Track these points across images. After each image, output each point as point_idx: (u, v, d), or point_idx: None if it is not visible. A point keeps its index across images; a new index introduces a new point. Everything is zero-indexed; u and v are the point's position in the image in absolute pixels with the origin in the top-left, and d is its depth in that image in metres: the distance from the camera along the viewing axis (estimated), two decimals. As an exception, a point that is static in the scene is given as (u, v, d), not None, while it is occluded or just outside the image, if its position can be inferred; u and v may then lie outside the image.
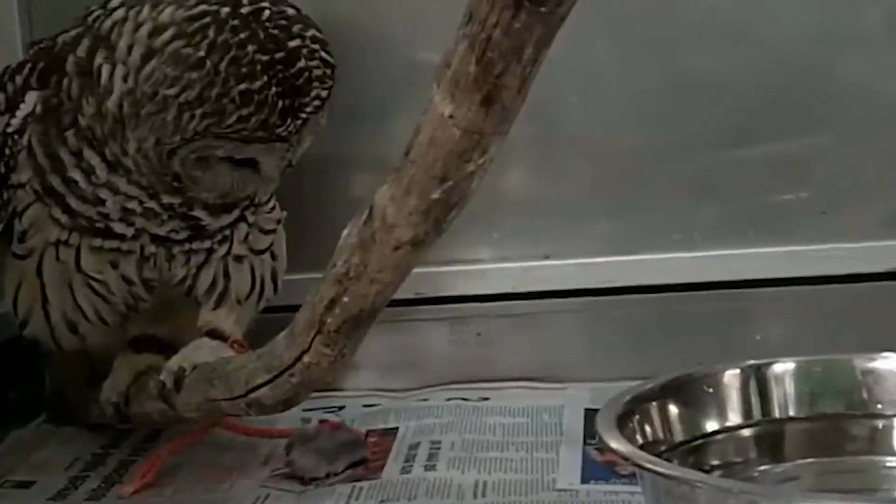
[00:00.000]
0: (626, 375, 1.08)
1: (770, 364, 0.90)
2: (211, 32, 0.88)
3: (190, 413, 0.96)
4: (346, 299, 0.80)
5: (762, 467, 0.88)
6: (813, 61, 1.13)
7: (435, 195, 0.74)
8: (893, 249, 1.15)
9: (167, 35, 0.89)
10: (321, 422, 1.07)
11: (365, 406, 1.14)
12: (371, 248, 0.77)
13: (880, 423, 0.89)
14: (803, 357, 0.91)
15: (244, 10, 0.89)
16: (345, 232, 0.79)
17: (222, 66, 0.87)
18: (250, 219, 1.02)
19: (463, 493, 0.94)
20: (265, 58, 0.88)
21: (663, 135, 1.16)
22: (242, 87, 0.87)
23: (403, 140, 0.75)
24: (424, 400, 1.14)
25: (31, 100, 0.95)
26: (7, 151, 0.96)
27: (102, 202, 0.96)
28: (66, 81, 0.95)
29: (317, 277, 0.82)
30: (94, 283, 1.00)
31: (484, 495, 0.94)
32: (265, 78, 0.87)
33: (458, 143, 0.72)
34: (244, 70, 0.87)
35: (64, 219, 0.97)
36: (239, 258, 1.03)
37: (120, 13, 0.93)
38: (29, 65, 0.97)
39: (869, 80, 1.14)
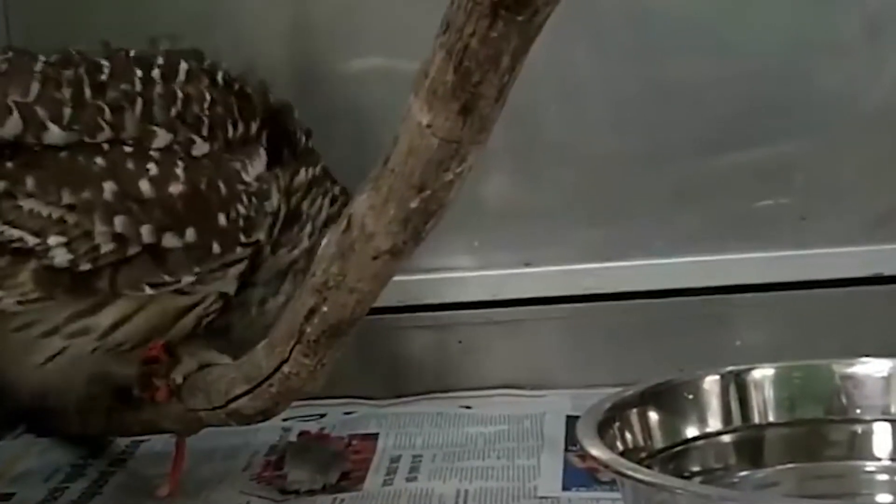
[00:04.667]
0: (607, 382, 1.08)
1: (749, 370, 0.90)
2: None
3: (170, 424, 0.96)
4: (325, 309, 0.80)
5: (742, 473, 0.88)
6: (792, 68, 1.14)
7: (413, 204, 0.74)
8: (872, 254, 1.15)
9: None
10: (302, 433, 1.07)
11: (346, 414, 1.14)
12: (350, 257, 0.77)
13: (859, 428, 0.89)
14: (783, 363, 0.91)
15: None
16: (324, 241, 0.79)
17: None
18: None
19: (444, 502, 0.94)
20: None
21: (644, 142, 1.16)
22: None
23: (382, 149, 0.75)
24: (406, 408, 1.14)
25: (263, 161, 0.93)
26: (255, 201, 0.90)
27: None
28: (302, 172, 0.97)
29: (296, 287, 0.82)
30: None
31: (465, 504, 0.94)
32: None
33: (436, 152, 0.72)
34: None
35: None
36: None
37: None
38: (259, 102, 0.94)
39: (847, 86, 1.14)
